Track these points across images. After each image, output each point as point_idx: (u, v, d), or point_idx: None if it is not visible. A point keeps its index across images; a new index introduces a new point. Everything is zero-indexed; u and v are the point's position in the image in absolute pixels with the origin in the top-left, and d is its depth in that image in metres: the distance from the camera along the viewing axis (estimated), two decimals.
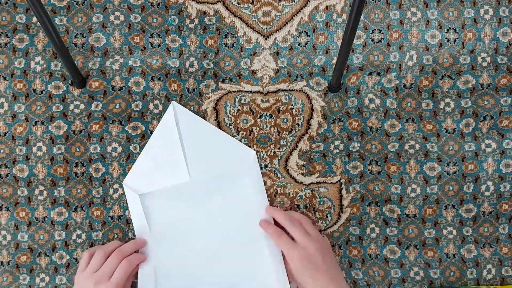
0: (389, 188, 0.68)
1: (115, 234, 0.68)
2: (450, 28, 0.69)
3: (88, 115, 0.68)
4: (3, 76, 0.68)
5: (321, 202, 0.68)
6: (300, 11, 0.69)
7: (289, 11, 0.69)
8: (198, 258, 0.65)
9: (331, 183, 0.68)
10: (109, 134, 0.68)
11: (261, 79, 0.69)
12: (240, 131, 0.68)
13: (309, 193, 0.68)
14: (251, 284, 0.64)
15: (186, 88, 0.69)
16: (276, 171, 0.68)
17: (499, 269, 0.68)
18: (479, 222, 0.68)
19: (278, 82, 0.69)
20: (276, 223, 0.65)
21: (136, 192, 0.66)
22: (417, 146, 0.68)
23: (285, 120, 0.68)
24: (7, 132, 0.68)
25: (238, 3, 0.69)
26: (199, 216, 0.66)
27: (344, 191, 0.68)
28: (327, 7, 0.69)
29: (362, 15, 0.68)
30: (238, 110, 0.68)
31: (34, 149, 0.68)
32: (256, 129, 0.68)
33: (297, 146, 0.68)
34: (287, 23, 0.69)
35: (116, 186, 0.68)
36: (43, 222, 0.68)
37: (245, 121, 0.68)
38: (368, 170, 0.68)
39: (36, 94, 0.68)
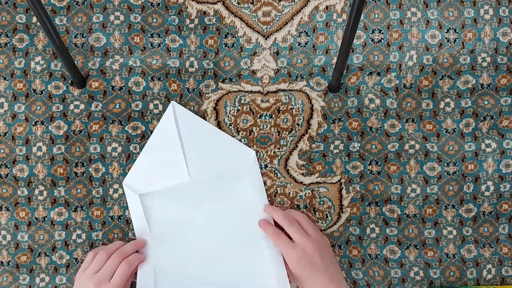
0: (389, 188, 0.68)
1: (115, 234, 0.68)
2: (450, 28, 0.69)
3: (88, 115, 0.68)
4: (3, 76, 0.68)
5: (321, 202, 0.68)
6: (300, 11, 0.69)
7: (289, 11, 0.69)
8: (198, 258, 0.65)
9: (331, 183, 0.68)
10: (109, 134, 0.68)
11: (261, 79, 0.69)
12: (240, 131, 0.68)
13: (309, 193, 0.68)
14: (251, 284, 0.64)
15: (186, 88, 0.69)
16: (276, 171, 0.68)
17: (499, 269, 0.68)
18: (479, 222, 0.68)
19: (278, 82, 0.69)
20: (276, 223, 0.65)
21: (136, 192, 0.66)
22: (417, 146, 0.68)
23: (285, 120, 0.68)
24: (7, 132, 0.68)
25: (238, 3, 0.69)
26: (199, 216, 0.66)
27: (344, 191, 0.68)
28: (327, 7, 0.69)
29: (362, 15, 0.68)
30: (238, 110, 0.68)
31: (34, 149, 0.68)
32: (256, 129, 0.68)
33: (297, 146, 0.68)
34: (287, 23, 0.69)
35: (116, 186, 0.68)
36: (43, 222, 0.68)
37: (245, 121, 0.68)
38: (368, 170, 0.68)
39: (36, 94, 0.68)
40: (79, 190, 0.68)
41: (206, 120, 0.68)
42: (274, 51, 0.69)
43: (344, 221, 0.68)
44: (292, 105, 0.68)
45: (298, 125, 0.68)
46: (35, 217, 0.68)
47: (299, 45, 0.69)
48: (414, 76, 0.68)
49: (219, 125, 0.68)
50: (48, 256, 0.67)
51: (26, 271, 0.67)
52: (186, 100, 0.68)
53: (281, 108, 0.68)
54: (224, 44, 0.69)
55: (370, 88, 0.68)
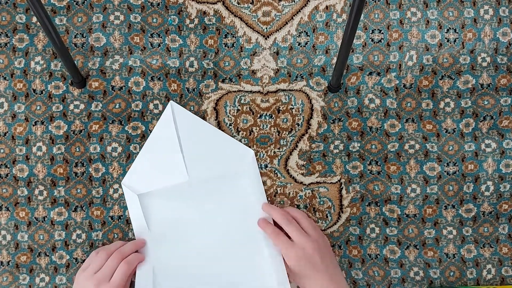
0: (389, 188, 0.68)
1: (115, 234, 0.68)
2: (450, 28, 0.69)
3: (88, 115, 0.68)
4: (3, 76, 0.68)
5: (321, 202, 0.68)
6: (300, 11, 0.69)
7: (289, 11, 0.69)
8: (197, 258, 0.65)
9: (331, 183, 0.68)
10: (109, 134, 0.68)
11: (261, 79, 0.69)
12: (240, 131, 0.68)
13: (309, 193, 0.68)
14: (251, 284, 0.64)
15: (186, 88, 0.69)
16: (276, 171, 0.68)
17: (499, 269, 0.68)
18: (479, 222, 0.68)
19: (278, 82, 0.69)
20: (275, 222, 0.65)
21: (135, 192, 0.66)
22: (417, 146, 0.68)
23: (285, 120, 0.68)
24: (7, 132, 0.68)
25: (238, 3, 0.69)
26: (198, 216, 0.66)
27: (344, 191, 0.68)
28: (327, 7, 0.69)
29: (362, 15, 0.68)
30: (238, 110, 0.68)
31: (34, 149, 0.68)
32: (256, 129, 0.68)
33: (297, 146, 0.68)
34: (287, 23, 0.69)
35: (116, 186, 0.68)
36: (43, 222, 0.68)
37: (245, 121, 0.68)
38: (368, 170, 0.68)
39: (36, 94, 0.68)
40: (79, 190, 0.68)
41: (206, 120, 0.68)
42: (274, 51, 0.69)
43: (344, 221, 0.68)
44: (292, 105, 0.68)
45: (298, 125, 0.68)
46: (35, 217, 0.68)
47: (299, 45, 0.69)
48: (414, 76, 0.68)
49: (219, 125, 0.68)
50: (48, 256, 0.67)
51: (26, 271, 0.67)
52: (186, 100, 0.68)
53: (281, 108, 0.68)
54: (224, 44, 0.69)
55: (370, 88, 0.68)
